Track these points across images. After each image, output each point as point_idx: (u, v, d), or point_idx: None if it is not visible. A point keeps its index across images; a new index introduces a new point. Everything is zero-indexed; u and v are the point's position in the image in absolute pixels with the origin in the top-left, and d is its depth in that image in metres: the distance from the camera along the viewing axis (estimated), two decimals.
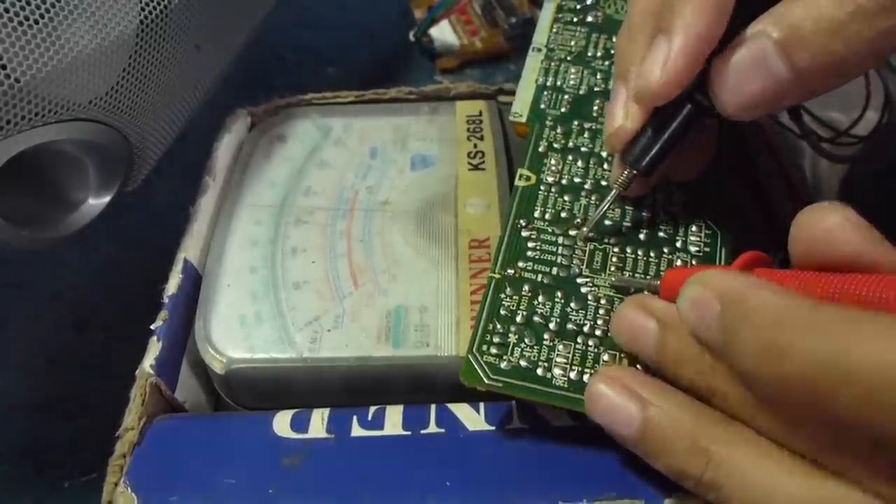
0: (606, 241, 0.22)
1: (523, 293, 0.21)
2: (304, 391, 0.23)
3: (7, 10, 0.20)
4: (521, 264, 0.22)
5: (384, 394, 0.22)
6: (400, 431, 0.21)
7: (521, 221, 0.23)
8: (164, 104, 0.26)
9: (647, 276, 0.21)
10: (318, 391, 0.23)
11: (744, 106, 0.18)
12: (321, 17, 0.46)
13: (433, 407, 0.21)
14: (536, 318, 0.21)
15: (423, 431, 0.21)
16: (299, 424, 0.21)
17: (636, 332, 0.18)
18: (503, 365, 0.20)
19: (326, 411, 0.21)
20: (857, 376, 0.14)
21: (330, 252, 0.26)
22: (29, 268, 0.34)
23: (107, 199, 0.25)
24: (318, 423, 0.21)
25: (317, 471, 0.20)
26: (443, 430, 0.21)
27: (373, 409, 0.21)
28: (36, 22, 0.20)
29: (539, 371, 0.20)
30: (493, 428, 0.21)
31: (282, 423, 0.21)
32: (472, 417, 0.21)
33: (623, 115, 0.21)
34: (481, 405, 0.21)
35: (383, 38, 0.44)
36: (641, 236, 0.22)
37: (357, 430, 0.21)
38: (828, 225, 0.17)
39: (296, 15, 0.46)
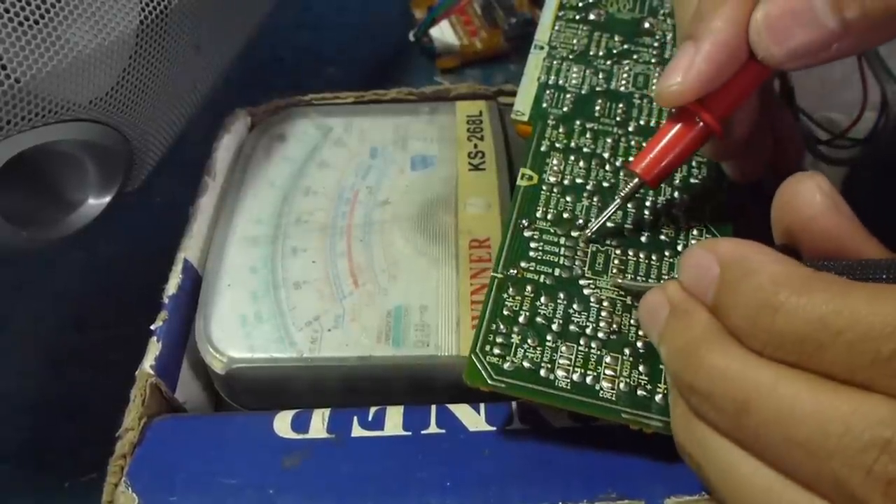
0: (608, 243, 0.22)
1: (526, 293, 0.21)
2: (305, 391, 0.23)
3: (7, 10, 0.20)
4: (523, 264, 0.22)
5: (384, 394, 0.22)
6: (400, 432, 0.21)
7: (524, 221, 0.23)
8: (164, 104, 0.26)
9: (649, 280, 0.21)
10: (318, 391, 0.23)
11: (790, 55, 0.19)
12: (321, 17, 0.46)
13: (434, 407, 0.21)
14: (539, 319, 0.21)
15: (423, 432, 0.21)
16: (300, 424, 0.21)
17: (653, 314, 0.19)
18: (506, 366, 0.20)
19: (327, 411, 0.21)
20: (846, 335, 0.14)
21: (330, 252, 0.26)
22: (29, 268, 0.34)
23: (107, 199, 0.25)
24: (319, 424, 0.21)
25: (317, 471, 0.20)
26: (443, 431, 0.21)
27: (373, 409, 0.21)
28: (36, 22, 0.20)
29: (542, 372, 0.20)
30: (494, 429, 0.21)
31: (282, 423, 0.21)
32: (472, 418, 0.21)
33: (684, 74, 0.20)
34: (481, 406, 0.21)
35: (383, 38, 0.44)
36: (643, 239, 0.22)
37: (357, 431, 0.21)
38: (810, 213, 0.18)
39: (296, 15, 0.46)
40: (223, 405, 0.25)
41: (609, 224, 0.23)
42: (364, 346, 0.23)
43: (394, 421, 0.21)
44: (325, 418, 0.21)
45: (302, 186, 0.28)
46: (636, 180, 0.21)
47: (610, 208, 0.22)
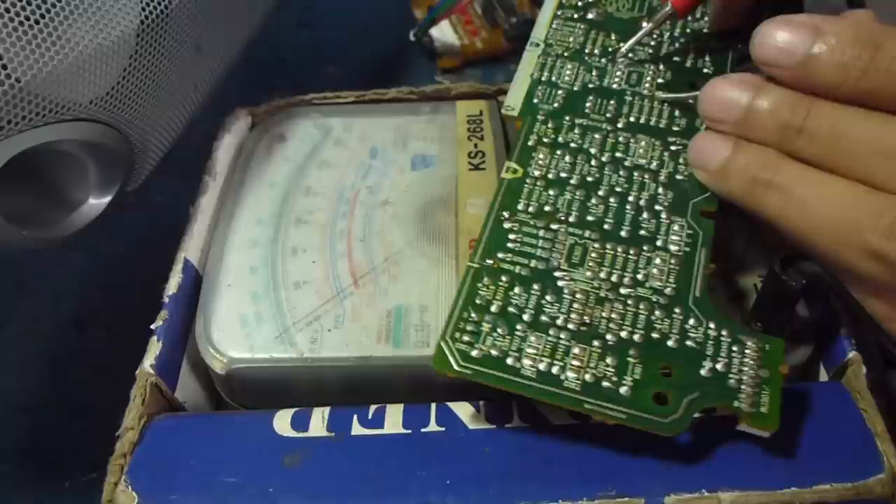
0: (587, 236, 0.22)
1: (500, 283, 0.21)
2: (305, 391, 0.23)
3: (7, 10, 0.20)
4: (500, 255, 0.22)
5: (384, 393, 0.22)
6: (400, 430, 0.21)
7: (504, 213, 0.23)
8: (165, 104, 0.26)
9: (625, 272, 0.21)
10: (318, 391, 0.23)
11: None
12: (321, 17, 0.46)
13: (433, 405, 0.21)
14: (511, 309, 0.21)
15: (423, 430, 0.21)
16: (300, 423, 0.21)
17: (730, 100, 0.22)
18: (474, 353, 0.20)
19: (327, 410, 0.21)
20: None
21: (330, 252, 0.26)
22: (29, 268, 0.34)
23: (107, 199, 0.25)
24: (319, 422, 0.21)
25: (317, 469, 0.20)
26: (443, 429, 0.21)
27: (373, 407, 0.21)
28: (36, 22, 0.20)
29: (509, 361, 0.20)
30: (494, 426, 0.21)
31: (282, 421, 0.21)
32: (472, 416, 0.21)
33: None
34: (481, 404, 0.21)
35: (383, 38, 0.44)
36: (623, 233, 0.22)
37: (357, 429, 0.21)
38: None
39: (296, 15, 0.46)
40: (223, 405, 0.25)
41: (589, 217, 0.23)
42: (364, 347, 0.23)
43: (393, 419, 0.21)
44: (324, 417, 0.21)
45: (302, 186, 0.28)
46: (667, 8, 0.25)
47: (641, 33, 0.26)
